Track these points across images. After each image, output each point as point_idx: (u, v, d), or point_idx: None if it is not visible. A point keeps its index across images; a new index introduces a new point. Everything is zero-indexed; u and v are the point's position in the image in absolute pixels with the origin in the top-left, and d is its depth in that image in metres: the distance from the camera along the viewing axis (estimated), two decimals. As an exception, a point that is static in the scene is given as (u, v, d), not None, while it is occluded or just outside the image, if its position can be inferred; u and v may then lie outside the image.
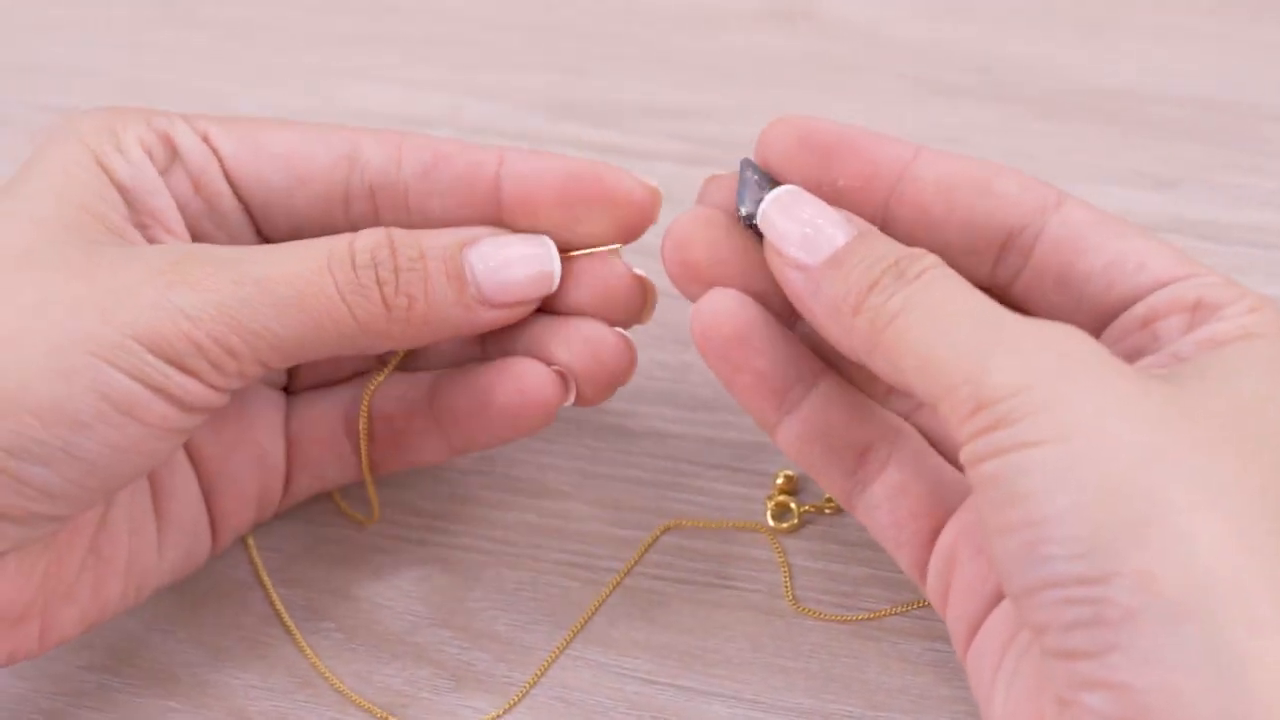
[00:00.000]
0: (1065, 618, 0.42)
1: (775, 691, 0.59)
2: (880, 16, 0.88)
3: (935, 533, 0.54)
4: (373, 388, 0.60)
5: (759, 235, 0.54)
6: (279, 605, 0.62)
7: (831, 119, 0.56)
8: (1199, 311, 0.50)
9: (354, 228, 0.57)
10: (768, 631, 0.60)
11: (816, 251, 0.51)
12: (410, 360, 0.62)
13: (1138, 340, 0.51)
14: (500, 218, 0.57)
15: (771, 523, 0.63)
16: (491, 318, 0.56)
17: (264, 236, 0.60)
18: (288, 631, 0.62)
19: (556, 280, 0.56)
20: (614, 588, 0.62)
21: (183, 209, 0.57)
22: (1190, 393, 0.45)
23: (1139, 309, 0.51)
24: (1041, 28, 0.87)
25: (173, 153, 0.57)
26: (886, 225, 0.55)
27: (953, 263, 0.53)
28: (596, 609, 0.61)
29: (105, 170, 0.55)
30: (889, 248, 0.50)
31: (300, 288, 0.52)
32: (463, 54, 0.88)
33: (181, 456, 0.59)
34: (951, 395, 0.45)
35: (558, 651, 0.60)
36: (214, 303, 0.51)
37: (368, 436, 0.61)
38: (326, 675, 0.60)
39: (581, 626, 0.61)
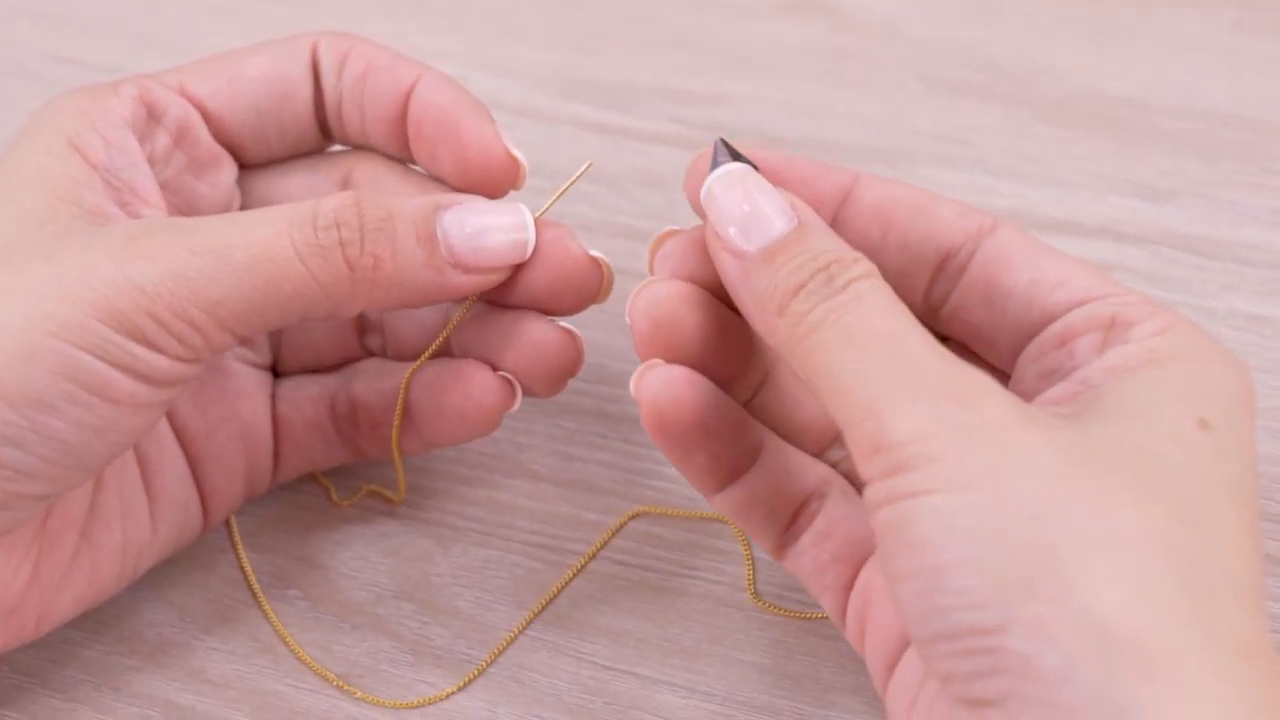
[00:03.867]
0: (965, 668, 0.42)
1: (730, 684, 0.59)
2: (896, 13, 0.88)
3: (854, 578, 0.54)
4: (412, 371, 0.60)
5: None
6: (248, 569, 0.63)
7: (772, 149, 0.55)
8: (1113, 330, 0.49)
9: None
10: (727, 624, 0.60)
11: (754, 237, 0.50)
12: (397, 351, 0.62)
13: (1055, 359, 0.51)
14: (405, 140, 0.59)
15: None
16: (463, 282, 0.55)
17: (245, 187, 0.61)
18: (253, 596, 0.62)
19: (530, 248, 0.56)
20: (578, 571, 0.62)
21: (164, 168, 0.58)
22: (1092, 437, 0.45)
23: (1057, 326, 0.51)
24: (1054, 32, 0.86)
25: (150, 114, 0.58)
26: None
27: (890, 284, 0.54)
28: (559, 591, 0.62)
29: (80, 152, 0.55)
30: (825, 245, 0.49)
31: (256, 252, 0.51)
32: (476, 24, 0.88)
33: (168, 433, 0.60)
34: (854, 430, 0.45)
35: (517, 631, 0.60)
36: (171, 273, 0.50)
37: (401, 416, 0.60)
38: (288, 641, 0.60)
39: (543, 608, 0.61)
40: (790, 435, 0.56)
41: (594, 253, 0.57)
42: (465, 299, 0.57)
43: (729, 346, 0.54)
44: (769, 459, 0.54)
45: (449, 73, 0.60)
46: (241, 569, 0.63)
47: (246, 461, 0.62)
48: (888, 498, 0.44)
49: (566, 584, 0.62)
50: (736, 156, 0.53)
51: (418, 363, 0.59)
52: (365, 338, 0.63)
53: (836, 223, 0.54)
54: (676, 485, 0.65)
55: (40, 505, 0.53)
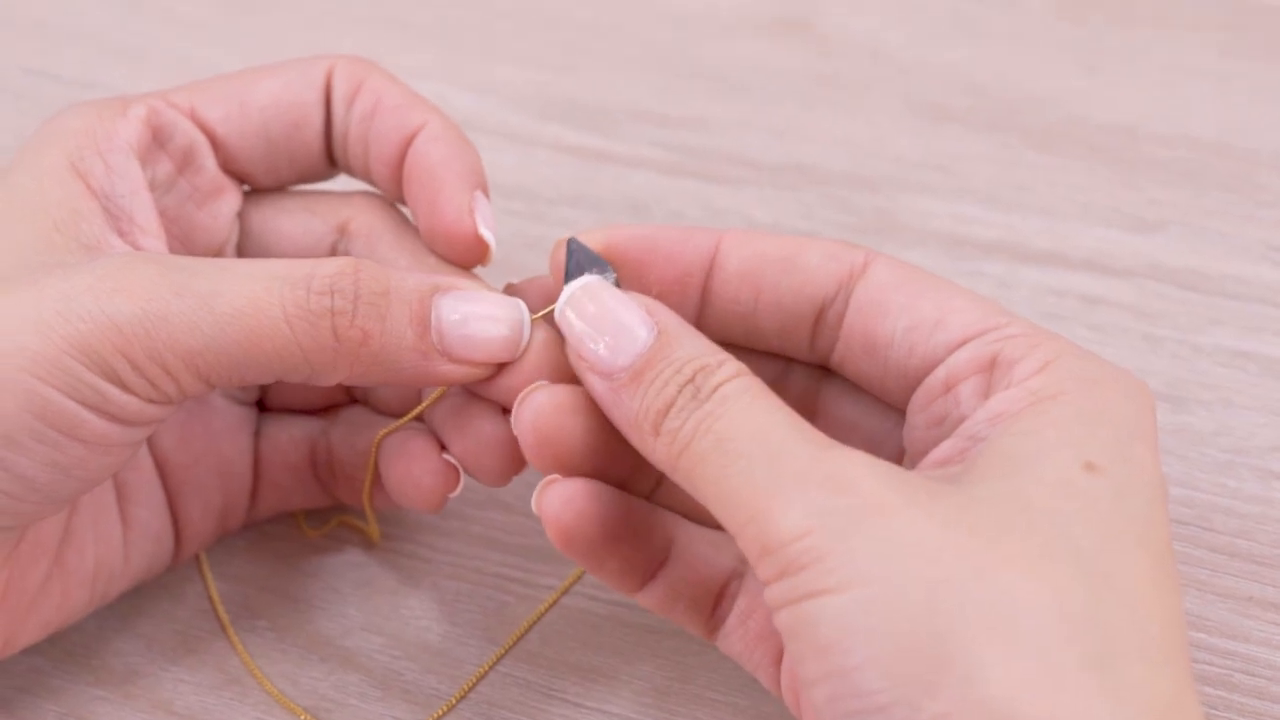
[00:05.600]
0: None
1: (700, 724, 0.58)
2: (881, 37, 0.87)
3: (782, 652, 0.53)
4: (381, 437, 0.59)
5: None
6: (216, 600, 0.62)
7: (631, 224, 0.55)
8: (995, 371, 0.49)
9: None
10: (699, 662, 0.59)
11: (618, 354, 0.50)
12: (376, 403, 0.62)
13: (941, 406, 0.50)
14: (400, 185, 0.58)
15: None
16: (448, 371, 0.53)
17: (242, 221, 0.60)
18: (222, 627, 0.61)
19: (523, 348, 0.54)
20: (550, 605, 0.61)
21: (165, 194, 0.57)
22: (977, 501, 0.44)
23: (940, 372, 0.51)
24: (1042, 58, 0.86)
25: (155, 138, 0.57)
26: (703, 319, 0.55)
27: (770, 345, 0.54)
28: (530, 626, 0.61)
29: (81, 177, 0.54)
30: (689, 352, 0.49)
31: (241, 305, 0.50)
32: (455, 42, 0.87)
33: (148, 463, 0.59)
34: (741, 535, 0.45)
35: (487, 667, 0.60)
36: (151, 313, 0.49)
37: (372, 477, 0.60)
38: (255, 673, 0.60)
39: (514, 643, 0.60)
40: (701, 516, 0.55)
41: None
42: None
43: (622, 445, 0.53)
44: (682, 550, 0.54)
45: (427, 91, 0.59)
46: (210, 599, 0.62)
47: (224, 497, 0.61)
48: (783, 600, 0.44)
49: (538, 618, 0.61)
50: (593, 257, 0.53)
51: (387, 430, 0.58)
52: (351, 385, 0.62)
53: (708, 293, 0.54)
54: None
55: (10, 535, 0.52)
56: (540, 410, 0.52)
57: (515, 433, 0.53)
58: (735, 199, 0.78)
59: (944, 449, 0.49)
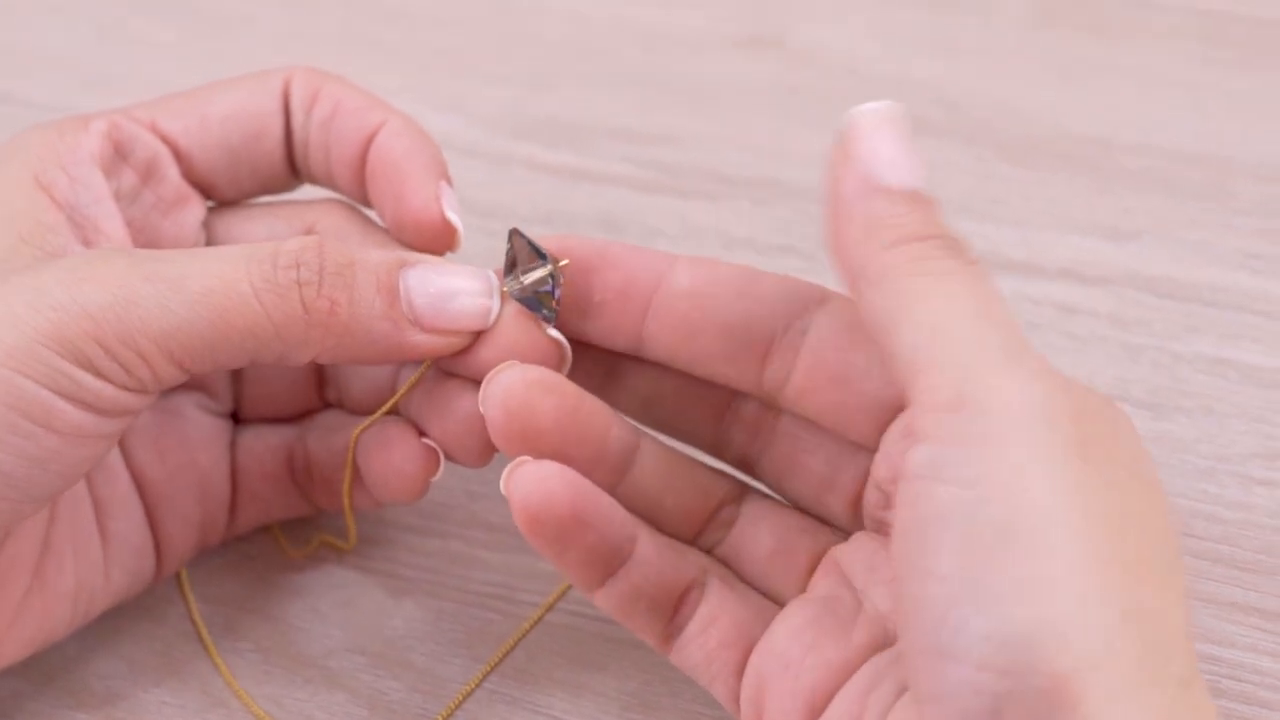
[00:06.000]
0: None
1: (689, 738, 0.58)
2: (854, 50, 0.88)
3: (744, 662, 0.53)
4: (359, 431, 0.58)
5: (532, 306, 0.54)
6: (198, 621, 0.62)
7: (590, 236, 0.55)
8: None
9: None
10: (686, 676, 0.59)
11: (890, 176, 0.49)
12: (351, 405, 0.62)
13: None
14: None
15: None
16: (420, 341, 0.53)
17: (209, 231, 0.60)
18: (205, 648, 0.61)
19: (494, 315, 0.54)
20: (535, 622, 0.61)
21: (130, 205, 0.57)
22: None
23: None
24: (1016, 69, 0.86)
25: (118, 151, 0.57)
26: (644, 341, 0.55)
27: (717, 372, 0.54)
28: (515, 643, 0.61)
29: (45, 190, 0.54)
30: (948, 225, 0.48)
31: (210, 284, 0.50)
32: (426, 61, 0.87)
33: (125, 477, 0.59)
34: (938, 375, 0.44)
35: (473, 685, 0.59)
36: (121, 298, 0.49)
37: (351, 475, 0.59)
38: (240, 694, 0.59)
39: (500, 660, 0.60)
40: (661, 522, 0.56)
41: (552, 332, 0.55)
42: (420, 362, 0.56)
43: (588, 432, 0.53)
44: (644, 550, 0.54)
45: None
46: (192, 620, 0.62)
47: (202, 509, 0.61)
48: (938, 461, 0.43)
49: (523, 635, 0.61)
50: (535, 248, 0.53)
51: (365, 423, 0.58)
52: (325, 389, 0.62)
53: (655, 308, 0.54)
54: (635, 534, 0.64)
55: None
56: (510, 388, 0.52)
57: (483, 411, 0.52)
58: (710, 215, 0.78)
59: None
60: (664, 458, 0.56)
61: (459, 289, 0.54)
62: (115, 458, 0.58)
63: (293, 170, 0.61)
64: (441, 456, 0.57)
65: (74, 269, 0.50)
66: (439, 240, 0.57)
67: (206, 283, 0.50)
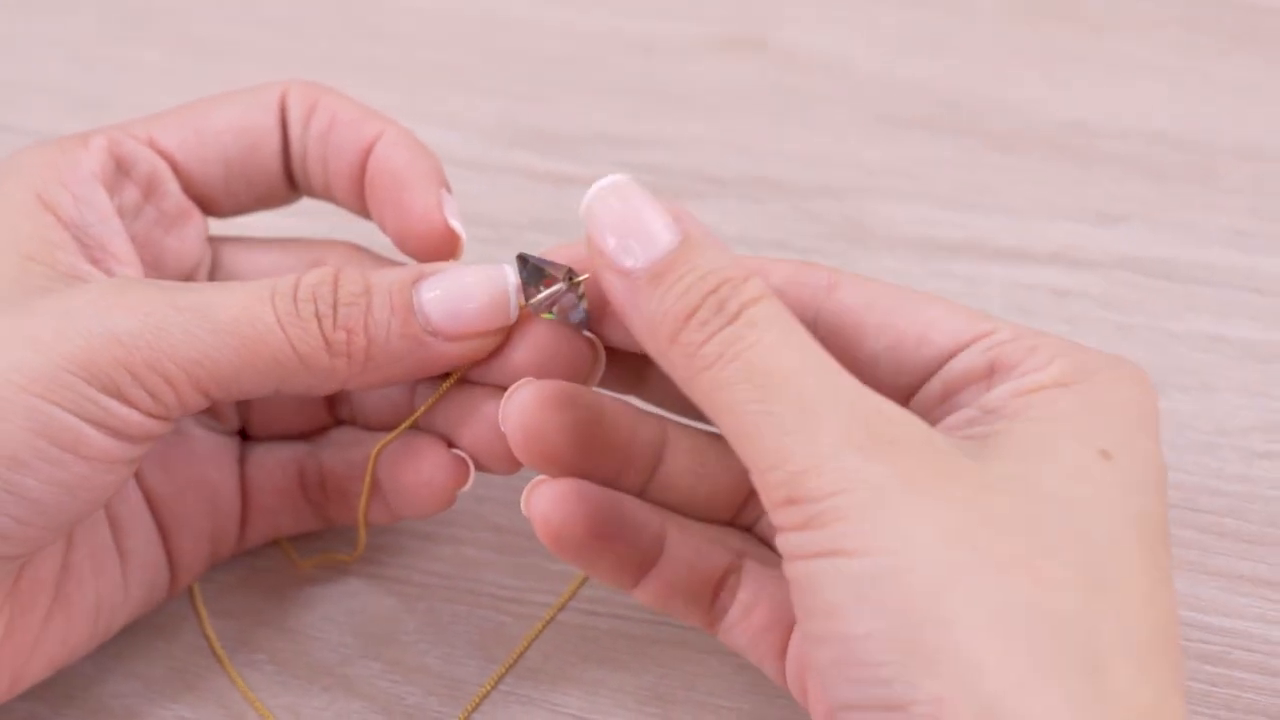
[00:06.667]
0: None
1: (707, 731, 0.58)
2: (840, 49, 0.88)
3: (785, 644, 0.53)
4: (380, 447, 0.58)
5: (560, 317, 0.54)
6: (211, 635, 0.62)
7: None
8: (995, 377, 0.49)
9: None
10: (703, 670, 0.60)
11: (638, 253, 0.47)
12: (365, 421, 0.61)
13: (939, 415, 0.51)
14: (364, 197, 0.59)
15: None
16: (445, 350, 0.53)
17: (216, 257, 0.61)
18: (219, 662, 0.61)
19: (513, 307, 0.54)
20: (547, 622, 0.61)
21: (133, 221, 0.58)
22: (997, 482, 0.44)
23: (935, 385, 0.51)
24: (1000, 60, 0.86)
25: (119, 167, 0.57)
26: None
27: None
28: (529, 644, 0.61)
29: (50, 209, 0.54)
30: (713, 263, 0.47)
31: (237, 313, 0.51)
32: (418, 75, 0.87)
33: (136, 495, 0.59)
34: (764, 476, 0.44)
35: (489, 687, 0.60)
36: (151, 326, 0.50)
37: (369, 490, 0.59)
38: (257, 706, 0.59)
39: (514, 661, 0.60)
40: (695, 511, 0.56)
41: (586, 333, 0.55)
42: (450, 373, 0.56)
43: (613, 439, 0.53)
44: (675, 545, 0.54)
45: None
46: (205, 635, 0.62)
47: (213, 523, 0.61)
48: (801, 552, 0.44)
49: (536, 635, 0.61)
50: (538, 269, 0.53)
51: (388, 438, 0.58)
52: (336, 407, 0.62)
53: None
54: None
55: (11, 565, 0.52)
56: (525, 406, 0.52)
57: (503, 430, 0.52)
58: (703, 214, 0.76)
59: (957, 419, 0.49)
60: (695, 448, 0.55)
61: (473, 290, 0.53)
62: (126, 473, 0.59)
63: (291, 183, 0.61)
64: (471, 467, 0.57)
65: (102, 295, 0.50)
66: (442, 248, 0.57)
67: (233, 312, 0.51)
